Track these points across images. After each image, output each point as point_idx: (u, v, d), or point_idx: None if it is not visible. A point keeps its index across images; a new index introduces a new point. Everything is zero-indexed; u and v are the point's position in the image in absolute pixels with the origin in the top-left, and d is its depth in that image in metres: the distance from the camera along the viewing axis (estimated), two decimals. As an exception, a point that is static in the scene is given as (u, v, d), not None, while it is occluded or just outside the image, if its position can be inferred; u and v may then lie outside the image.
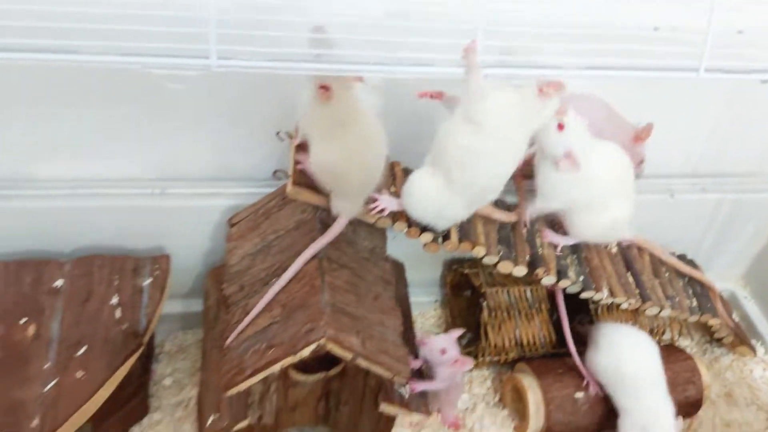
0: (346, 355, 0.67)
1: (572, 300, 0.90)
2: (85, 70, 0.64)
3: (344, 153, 0.69)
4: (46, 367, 0.71)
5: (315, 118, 0.70)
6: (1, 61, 0.57)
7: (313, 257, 0.72)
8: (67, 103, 0.78)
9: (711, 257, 1.08)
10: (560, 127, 0.74)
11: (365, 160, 0.71)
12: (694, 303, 0.94)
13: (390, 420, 0.81)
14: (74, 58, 0.56)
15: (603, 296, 0.85)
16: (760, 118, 0.99)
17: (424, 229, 0.77)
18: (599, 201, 0.82)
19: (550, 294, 0.94)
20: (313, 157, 0.71)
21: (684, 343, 1.04)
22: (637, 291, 0.89)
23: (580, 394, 0.86)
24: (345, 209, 0.73)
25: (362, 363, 0.68)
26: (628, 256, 0.92)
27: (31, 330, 0.74)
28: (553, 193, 0.80)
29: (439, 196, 0.72)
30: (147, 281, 0.81)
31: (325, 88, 0.66)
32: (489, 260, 0.81)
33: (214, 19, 0.58)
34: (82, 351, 0.73)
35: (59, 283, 0.79)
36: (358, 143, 0.70)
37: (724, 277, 1.11)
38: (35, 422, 0.67)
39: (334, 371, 0.74)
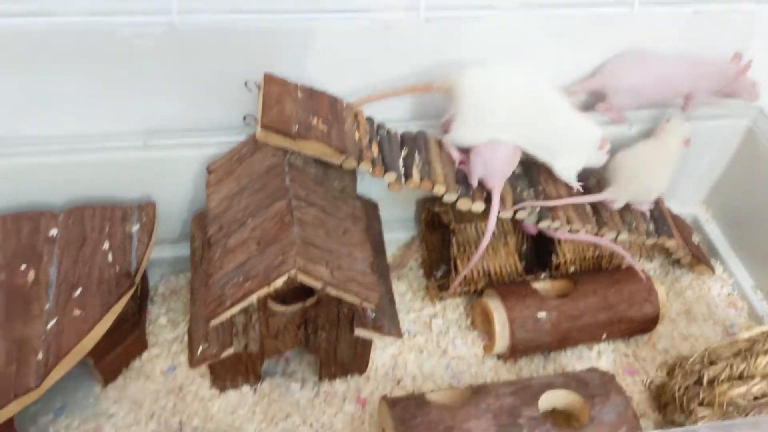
0: (316, 284, 0.73)
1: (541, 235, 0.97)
2: (64, 32, 0.69)
3: None
4: (46, 307, 0.78)
5: None
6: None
7: (283, 197, 0.78)
8: (49, 65, 0.82)
9: (673, 184, 1.13)
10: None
11: None
12: (651, 227, 1.00)
13: (366, 344, 0.88)
14: (47, 20, 0.61)
15: (559, 224, 0.91)
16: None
17: (387, 168, 0.83)
18: None
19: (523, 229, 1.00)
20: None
21: (647, 266, 1.11)
22: (594, 218, 0.95)
23: (542, 314, 0.93)
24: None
25: (332, 291, 0.75)
26: (587, 187, 0.98)
27: (31, 275, 0.81)
28: None
29: None
30: (135, 227, 0.87)
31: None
32: (448, 198, 0.87)
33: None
34: (78, 292, 0.80)
35: (54, 232, 0.85)
36: None
37: (686, 202, 1.17)
38: (40, 356, 0.74)
39: (309, 301, 0.81)
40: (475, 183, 0.88)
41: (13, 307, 0.78)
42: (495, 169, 0.87)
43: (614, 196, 0.96)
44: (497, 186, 0.88)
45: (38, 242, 0.84)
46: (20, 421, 0.83)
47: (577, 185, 0.96)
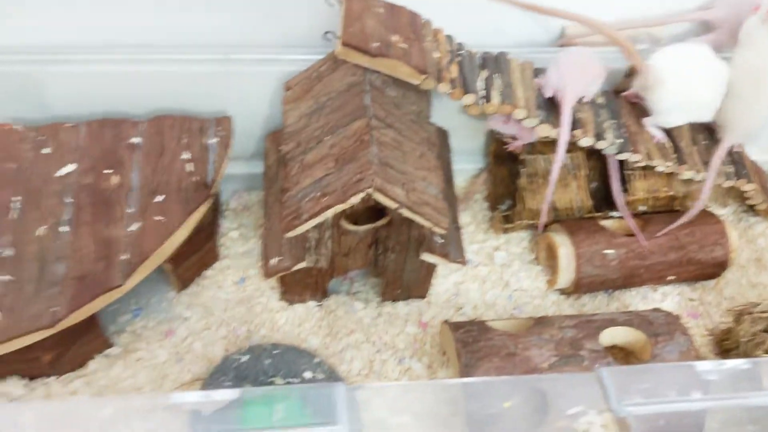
0: (391, 204, 0.74)
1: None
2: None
3: None
4: (129, 211, 0.81)
5: None
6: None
7: (363, 116, 0.78)
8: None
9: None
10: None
11: None
12: (731, 169, 0.97)
13: (431, 268, 0.89)
14: None
15: (640, 158, 0.89)
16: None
17: (466, 90, 0.82)
18: None
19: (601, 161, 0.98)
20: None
21: (719, 212, 1.08)
22: (675, 155, 0.93)
23: (610, 251, 0.92)
24: None
25: (406, 213, 0.75)
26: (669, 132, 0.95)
27: (115, 179, 0.84)
28: None
29: None
30: (213, 140, 0.89)
31: None
32: (529, 123, 0.86)
33: None
34: (159, 198, 0.82)
35: (135, 139, 0.87)
36: None
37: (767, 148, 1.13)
38: (125, 256, 0.78)
39: (381, 222, 0.82)
40: (547, 93, 0.86)
41: (99, 208, 0.81)
42: (568, 79, 0.85)
43: (735, 138, 0.94)
44: (567, 98, 0.85)
45: (120, 148, 0.87)
46: (101, 320, 0.87)
47: (662, 135, 0.94)
